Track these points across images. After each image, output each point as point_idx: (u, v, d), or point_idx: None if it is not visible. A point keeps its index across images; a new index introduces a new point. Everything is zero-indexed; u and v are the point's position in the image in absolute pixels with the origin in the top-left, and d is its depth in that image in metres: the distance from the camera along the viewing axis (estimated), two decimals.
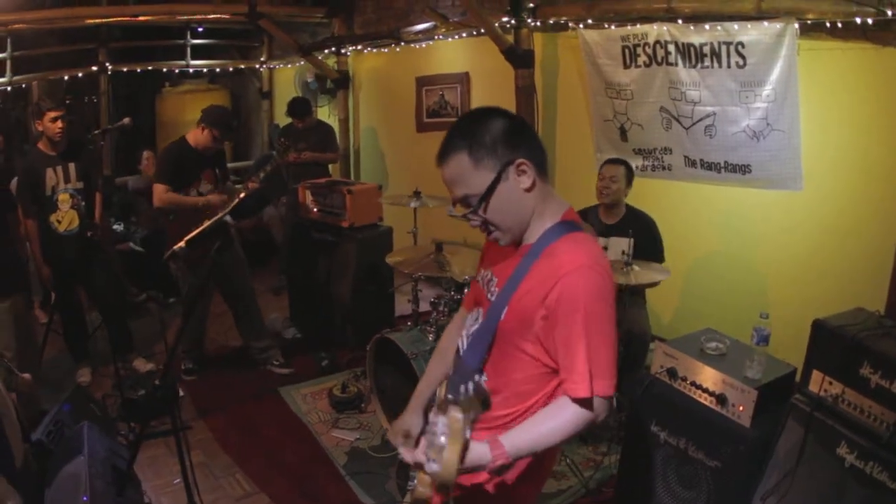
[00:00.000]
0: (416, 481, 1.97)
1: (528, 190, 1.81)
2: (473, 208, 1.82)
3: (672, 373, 3.19)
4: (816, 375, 2.74)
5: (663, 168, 5.26)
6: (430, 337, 4.16)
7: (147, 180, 7.11)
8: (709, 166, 4.90)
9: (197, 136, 4.97)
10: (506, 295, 1.86)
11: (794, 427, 2.76)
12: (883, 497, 2.41)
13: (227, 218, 2.90)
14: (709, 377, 3.03)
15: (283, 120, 8.03)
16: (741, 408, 2.88)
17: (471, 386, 1.83)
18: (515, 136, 1.80)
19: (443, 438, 1.49)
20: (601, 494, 3.76)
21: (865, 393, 2.55)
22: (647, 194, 5.05)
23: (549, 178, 1.89)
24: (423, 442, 1.64)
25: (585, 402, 1.72)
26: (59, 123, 4.72)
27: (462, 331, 2.10)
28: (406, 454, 1.78)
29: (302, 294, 6.26)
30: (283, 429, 4.57)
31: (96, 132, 5.68)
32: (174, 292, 6.60)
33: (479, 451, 1.64)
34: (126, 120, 5.50)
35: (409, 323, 4.59)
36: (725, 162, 4.78)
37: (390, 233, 5.96)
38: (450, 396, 1.82)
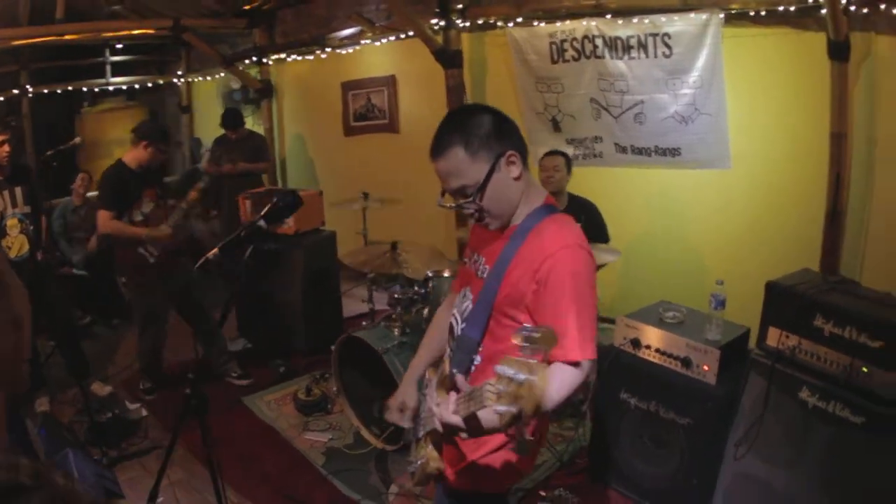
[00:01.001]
0: (422, 460, 2.11)
1: (517, 179, 1.98)
2: (471, 197, 1.97)
3: (635, 343, 3.41)
4: (773, 331, 3.00)
5: (594, 156, 5.50)
6: (396, 332, 4.25)
7: (84, 202, 6.98)
8: (639, 151, 5.17)
9: (138, 155, 4.83)
10: (498, 272, 2.02)
11: (756, 380, 3.01)
12: (846, 430, 2.68)
13: (262, 223, 2.91)
14: (672, 343, 3.25)
15: (203, 133, 7.96)
16: (706, 367, 3.12)
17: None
18: (504, 130, 1.96)
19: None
20: (574, 465, 3.94)
21: (820, 342, 2.82)
22: (582, 182, 5.26)
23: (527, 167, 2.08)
24: (452, 396, 1.76)
25: (577, 365, 1.87)
26: (6, 147, 4.61)
27: (453, 311, 2.25)
28: (436, 411, 1.83)
29: (248, 305, 6.22)
30: (256, 437, 4.55)
31: (49, 153, 5.55)
32: (117, 314, 6.53)
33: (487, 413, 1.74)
34: (77, 139, 5.52)
35: (364, 322, 4.66)
36: (656, 146, 5.05)
37: (334, 237, 6.04)
38: (454, 371, 2.00)
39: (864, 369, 2.68)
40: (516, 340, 1.47)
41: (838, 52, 4.12)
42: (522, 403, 1.38)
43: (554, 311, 1.89)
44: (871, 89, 4.26)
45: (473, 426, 1.70)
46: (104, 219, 4.77)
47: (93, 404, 4.63)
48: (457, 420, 1.71)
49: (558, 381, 1.84)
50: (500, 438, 2.02)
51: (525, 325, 1.84)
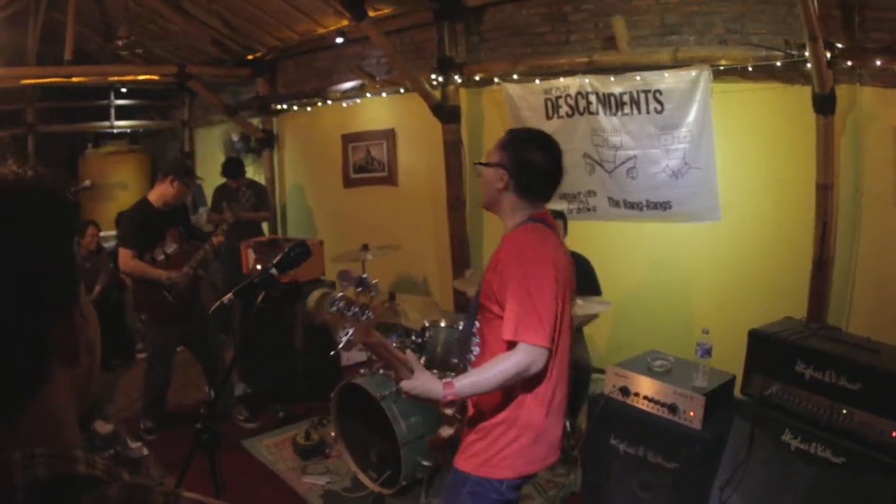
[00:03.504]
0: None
1: (499, 190, 2.40)
2: (478, 166, 2.52)
3: (624, 390, 3.49)
4: (756, 377, 3.10)
5: (588, 210, 5.62)
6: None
7: (89, 254, 7.06)
8: (631, 205, 5.29)
9: (164, 192, 4.87)
10: (483, 274, 2.43)
11: (741, 424, 3.09)
12: (827, 470, 2.77)
13: (273, 270, 3.01)
14: (659, 390, 3.34)
15: (206, 180, 8.09)
16: (692, 413, 3.19)
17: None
18: (523, 165, 2.38)
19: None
20: None
21: (802, 386, 2.92)
22: (576, 236, 5.36)
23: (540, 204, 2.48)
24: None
25: (514, 347, 2.17)
26: None
27: None
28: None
29: (249, 351, 6.23)
30: (256, 479, 4.59)
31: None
32: (118, 355, 6.62)
33: (435, 385, 2.17)
34: (87, 182, 5.56)
35: (362, 371, 4.72)
36: (647, 200, 5.16)
37: (334, 287, 6.01)
38: (454, 360, 2.52)
39: (844, 411, 2.78)
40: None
41: (823, 105, 4.26)
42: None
43: (502, 295, 2.24)
44: (857, 140, 4.41)
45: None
46: (125, 258, 4.82)
47: (95, 442, 4.69)
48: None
49: (497, 364, 2.18)
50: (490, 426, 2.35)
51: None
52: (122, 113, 9.83)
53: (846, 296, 4.52)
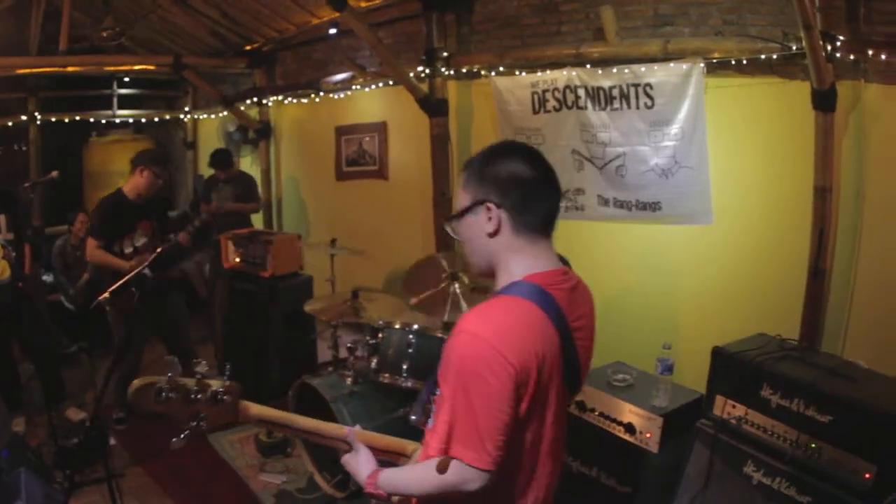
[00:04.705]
0: None
1: (491, 235, 1.80)
2: (450, 223, 1.89)
3: (581, 406, 3.23)
4: (719, 400, 2.82)
5: (577, 209, 5.33)
6: (348, 381, 4.20)
7: (77, 243, 6.97)
8: (620, 204, 4.99)
9: (136, 183, 4.88)
10: None
11: (701, 450, 2.82)
12: None
13: (146, 271, 2.91)
14: (616, 407, 3.08)
15: (207, 170, 7.99)
16: (648, 435, 2.93)
17: None
18: (508, 182, 1.78)
19: None
20: None
21: (767, 413, 2.63)
22: (563, 235, 5.08)
23: (541, 239, 1.88)
24: None
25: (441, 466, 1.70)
26: None
27: None
28: None
29: (227, 344, 6.24)
30: (214, 474, 4.64)
31: (25, 185, 5.65)
32: (106, 344, 6.48)
33: (364, 466, 1.88)
34: (54, 173, 5.52)
35: (329, 368, 4.65)
36: (637, 200, 4.86)
37: (310, 281, 6.00)
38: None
39: (812, 445, 2.48)
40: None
41: (823, 101, 3.91)
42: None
43: (440, 397, 1.74)
44: (860, 141, 4.03)
45: None
46: (91, 247, 4.85)
47: (62, 429, 4.74)
48: None
49: (425, 473, 1.73)
50: None
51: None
52: (126, 102, 9.79)
53: (844, 309, 4.16)
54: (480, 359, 1.63)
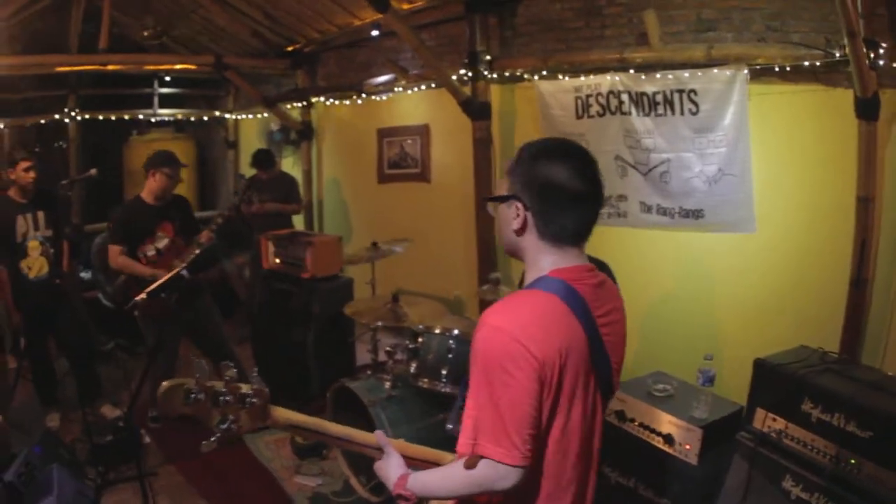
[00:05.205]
0: None
1: (517, 232, 1.81)
2: (486, 200, 1.93)
3: (621, 415, 3.23)
4: (760, 412, 2.80)
5: (619, 215, 5.30)
6: (387, 385, 4.21)
7: None
8: (663, 212, 4.96)
9: (151, 186, 4.93)
10: None
11: (740, 463, 2.80)
12: None
13: (184, 272, 2.92)
14: (656, 418, 3.07)
15: (248, 170, 8.06)
16: (688, 446, 2.92)
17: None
18: (543, 188, 1.76)
19: None
20: None
21: (808, 427, 2.61)
22: (606, 241, 5.08)
23: (569, 248, 1.83)
24: None
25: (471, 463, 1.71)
26: (32, 173, 4.85)
27: None
28: None
29: (266, 344, 6.23)
30: (248, 475, 4.64)
31: (63, 182, 5.70)
32: (143, 342, 6.58)
33: (395, 471, 1.86)
34: (92, 171, 5.61)
35: (368, 372, 4.64)
36: (680, 207, 4.82)
37: (351, 284, 5.99)
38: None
39: (852, 461, 2.46)
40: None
41: (866, 110, 3.86)
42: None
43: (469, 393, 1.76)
44: None
45: None
46: (113, 254, 4.86)
47: (96, 426, 4.80)
48: None
49: (456, 472, 1.74)
50: None
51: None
52: (167, 101, 9.88)
53: (886, 321, 4.10)
54: (503, 351, 1.64)
